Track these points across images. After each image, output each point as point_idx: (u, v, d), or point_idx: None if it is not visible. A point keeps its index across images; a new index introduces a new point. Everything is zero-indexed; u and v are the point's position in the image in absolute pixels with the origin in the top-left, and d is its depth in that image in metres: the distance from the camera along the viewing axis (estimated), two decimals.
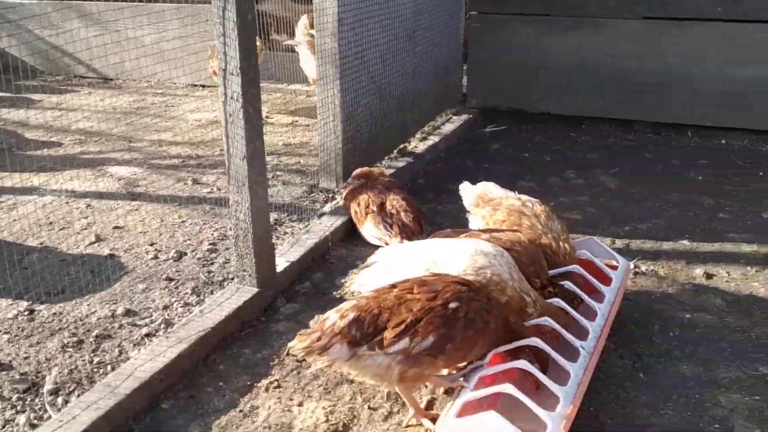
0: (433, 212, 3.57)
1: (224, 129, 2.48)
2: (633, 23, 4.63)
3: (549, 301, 2.24)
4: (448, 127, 4.79)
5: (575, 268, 2.43)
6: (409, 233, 3.07)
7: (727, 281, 2.88)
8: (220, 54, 2.37)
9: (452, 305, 1.90)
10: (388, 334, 1.87)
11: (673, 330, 2.54)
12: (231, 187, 2.54)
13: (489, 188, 2.79)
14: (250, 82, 2.41)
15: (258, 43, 4.98)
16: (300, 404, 2.16)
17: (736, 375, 2.28)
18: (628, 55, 4.69)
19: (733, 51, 4.46)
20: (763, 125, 4.54)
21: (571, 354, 2.09)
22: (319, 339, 1.90)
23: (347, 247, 3.19)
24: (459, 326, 1.89)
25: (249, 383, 2.25)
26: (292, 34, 5.35)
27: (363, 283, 2.24)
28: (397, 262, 2.23)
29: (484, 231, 2.44)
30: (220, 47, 2.36)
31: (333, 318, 1.91)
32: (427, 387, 2.19)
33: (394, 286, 1.98)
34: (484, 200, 2.75)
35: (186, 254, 3.00)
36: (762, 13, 4.33)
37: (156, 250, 3.04)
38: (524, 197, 2.68)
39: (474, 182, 2.91)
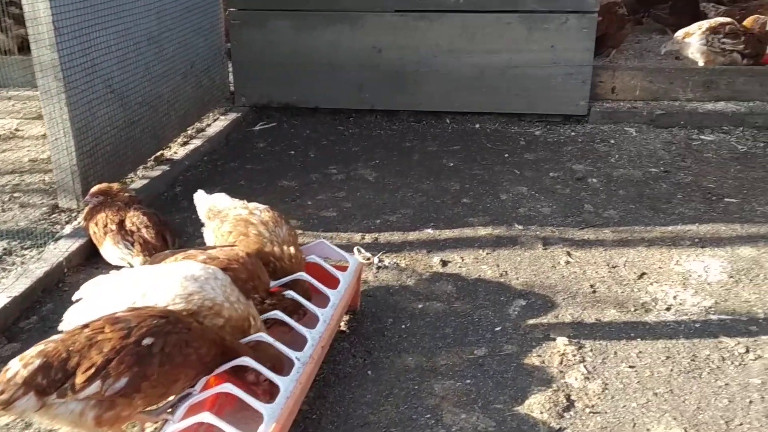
0: (187, 221, 3.48)
1: None
2: (387, 16, 4.77)
3: (269, 314, 2.25)
4: (214, 128, 4.68)
5: (302, 275, 2.46)
6: (151, 249, 2.96)
7: (460, 266, 3.06)
8: None
9: (146, 341, 1.84)
10: (79, 379, 1.77)
11: (405, 322, 2.66)
12: None
13: (218, 200, 2.75)
14: None
15: None
16: None
17: (453, 361, 2.44)
18: (386, 48, 4.83)
19: (479, 40, 4.73)
20: (510, 108, 4.89)
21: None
22: (1, 393, 1.76)
23: (87, 271, 3.01)
24: (155, 362, 1.83)
25: None
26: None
27: (69, 322, 2.11)
28: (105, 297, 2.13)
29: (202, 250, 2.40)
30: None
31: (15, 367, 1.78)
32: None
33: (86, 325, 1.88)
34: (213, 212, 2.70)
35: None
36: (499, 3, 4.62)
37: None
38: (252, 205, 2.67)
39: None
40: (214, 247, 2.41)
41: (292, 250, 2.49)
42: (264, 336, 2.12)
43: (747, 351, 2.48)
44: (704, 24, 5.21)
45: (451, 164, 4.21)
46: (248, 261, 2.32)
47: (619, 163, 4.22)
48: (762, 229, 3.38)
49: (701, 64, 5.24)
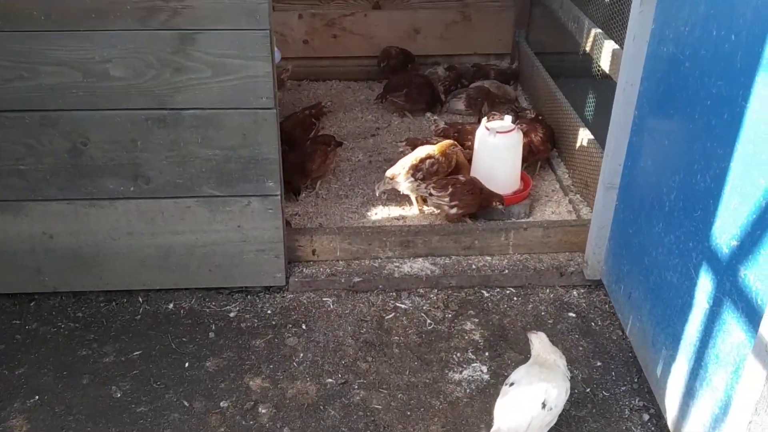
0: None
1: None
2: (53, 205, 4.31)
3: None
4: None
5: None
6: None
7: None
8: None
9: None
10: None
11: None
12: None
13: None
14: None
15: None
16: None
17: None
18: (58, 233, 4.40)
19: (160, 223, 4.41)
20: (206, 283, 4.66)
21: None
22: None
23: None
24: None
25: None
26: None
27: None
28: None
29: None
30: None
31: None
32: None
33: None
34: None
35: None
36: (173, 189, 4.28)
37: None
38: None
39: None
40: None
41: None
42: None
43: None
44: (407, 162, 5.14)
45: (119, 395, 3.94)
46: None
47: (299, 369, 4.13)
48: None
49: (415, 203, 5.23)
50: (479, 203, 4.95)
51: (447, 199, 4.91)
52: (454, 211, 4.93)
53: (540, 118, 5.87)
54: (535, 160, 5.64)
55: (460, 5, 7.16)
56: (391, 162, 5.61)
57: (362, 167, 5.92)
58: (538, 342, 3.60)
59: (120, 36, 3.84)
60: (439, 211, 5.07)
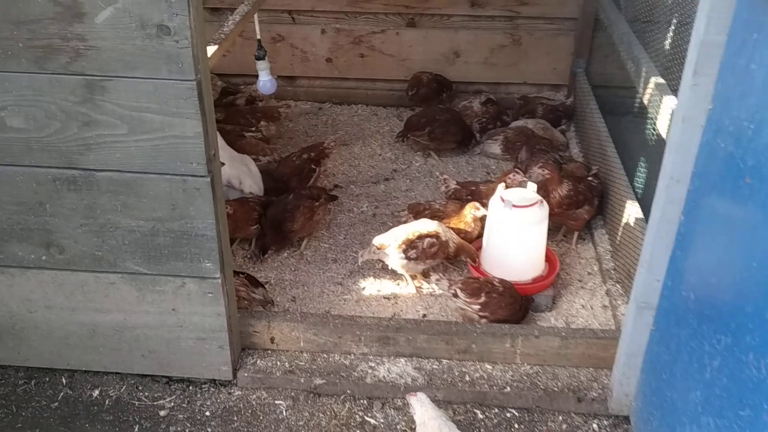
0: None
1: None
2: None
3: None
4: None
5: None
6: None
7: None
8: None
9: None
10: None
11: None
12: None
13: None
14: None
15: None
16: None
17: None
18: None
19: (80, 298, 3.66)
20: (139, 369, 3.89)
21: None
22: None
23: None
24: None
25: None
26: None
27: None
28: None
29: None
30: None
31: None
32: None
33: None
34: None
35: None
36: (90, 262, 3.51)
37: None
38: None
39: None
40: None
41: None
42: None
43: None
44: (401, 234, 4.17)
45: None
46: None
47: None
48: None
49: (409, 280, 4.28)
50: (517, 318, 3.93)
51: (477, 307, 3.88)
52: (484, 321, 3.91)
53: (590, 178, 4.73)
54: (554, 226, 4.53)
55: (509, 26, 6.07)
56: (399, 219, 4.69)
57: (363, 221, 4.98)
58: (420, 406, 3.14)
59: (14, 79, 3.07)
60: (460, 313, 4.05)
